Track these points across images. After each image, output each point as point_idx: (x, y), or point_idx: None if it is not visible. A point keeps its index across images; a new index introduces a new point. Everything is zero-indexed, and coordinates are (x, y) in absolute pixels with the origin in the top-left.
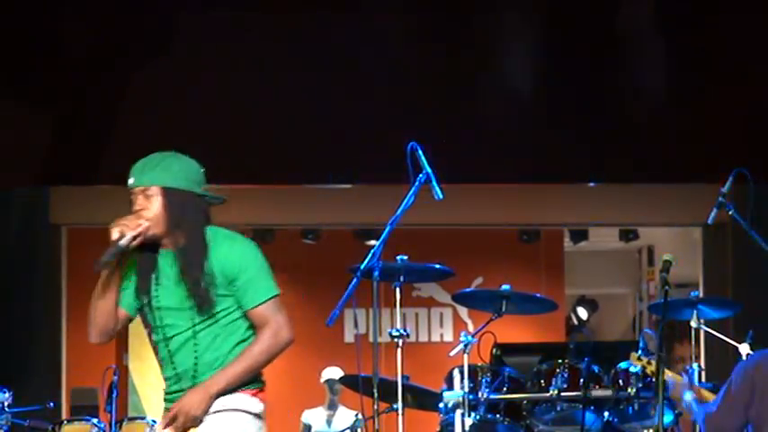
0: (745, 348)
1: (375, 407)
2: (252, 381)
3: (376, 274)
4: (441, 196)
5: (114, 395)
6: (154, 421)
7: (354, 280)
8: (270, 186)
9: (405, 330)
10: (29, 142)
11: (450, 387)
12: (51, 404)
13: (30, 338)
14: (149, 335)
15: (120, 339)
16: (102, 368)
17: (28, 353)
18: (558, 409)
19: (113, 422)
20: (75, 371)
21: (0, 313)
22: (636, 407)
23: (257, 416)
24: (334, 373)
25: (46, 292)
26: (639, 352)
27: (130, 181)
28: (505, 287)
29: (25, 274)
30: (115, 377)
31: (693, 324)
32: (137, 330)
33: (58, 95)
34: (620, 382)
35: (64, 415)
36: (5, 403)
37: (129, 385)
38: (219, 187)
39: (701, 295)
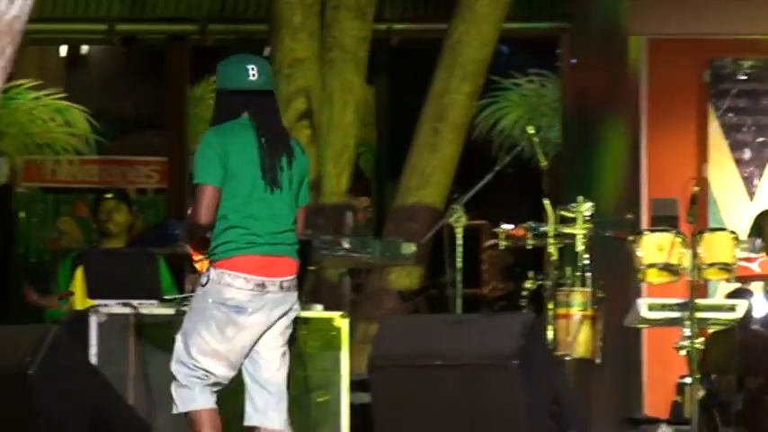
0: None
1: None
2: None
3: None
4: None
5: (695, 206)
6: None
7: None
8: None
9: None
10: None
11: None
12: (630, 216)
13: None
14: None
15: (700, 150)
16: (683, 179)
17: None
18: None
19: (694, 233)
20: (656, 182)
21: None
22: None
23: (203, 286)
24: None
25: (627, 101)
26: None
27: None
28: None
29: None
30: (696, 188)
31: None
32: (716, 141)
33: None
34: None
35: (644, 225)
36: (587, 213)
37: (708, 196)
38: None
39: None
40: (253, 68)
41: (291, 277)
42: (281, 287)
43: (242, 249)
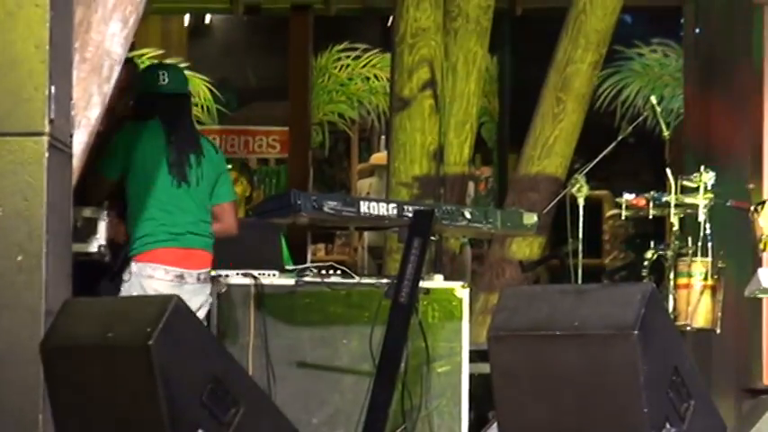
0: None
1: None
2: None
3: None
4: None
5: None
6: None
7: None
8: None
9: None
10: None
11: None
12: (752, 185)
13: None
14: None
15: None
16: None
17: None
18: None
19: None
20: None
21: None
22: None
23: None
24: None
25: (750, 72)
26: None
27: None
28: None
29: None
30: None
31: None
32: None
33: None
34: None
35: (766, 195)
36: (710, 183)
37: None
38: None
39: None
40: (164, 74)
41: (207, 270)
42: (198, 279)
43: (161, 242)
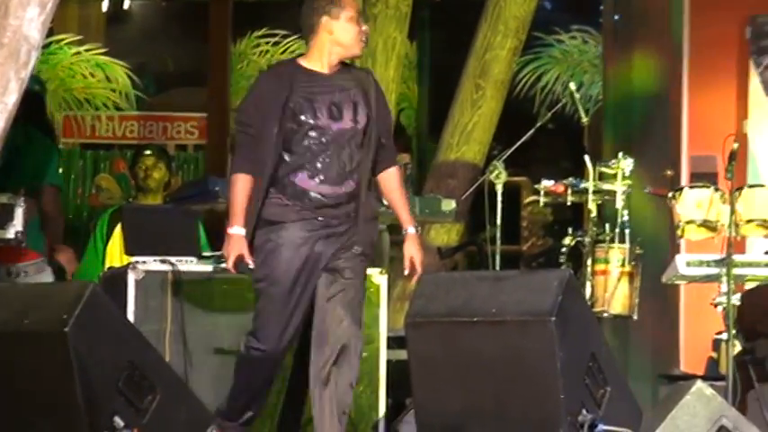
0: None
1: None
2: None
3: None
4: None
5: (734, 163)
6: None
7: None
8: None
9: None
10: None
11: None
12: (670, 172)
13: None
14: None
15: (740, 107)
16: (722, 136)
17: (646, 121)
18: None
19: (732, 190)
20: (695, 139)
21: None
22: None
23: None
24: None
25: (669, 58)
26: None
27: None
28: None
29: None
30: (735, 145)
31: None
32: (756, 98)
33: None
34: None
35: (683, 182)
36: (627, 169)
37: (748, 153)
38: None
39: None
40: None
41: (16, 265)
42: (10, 273)
43: None
